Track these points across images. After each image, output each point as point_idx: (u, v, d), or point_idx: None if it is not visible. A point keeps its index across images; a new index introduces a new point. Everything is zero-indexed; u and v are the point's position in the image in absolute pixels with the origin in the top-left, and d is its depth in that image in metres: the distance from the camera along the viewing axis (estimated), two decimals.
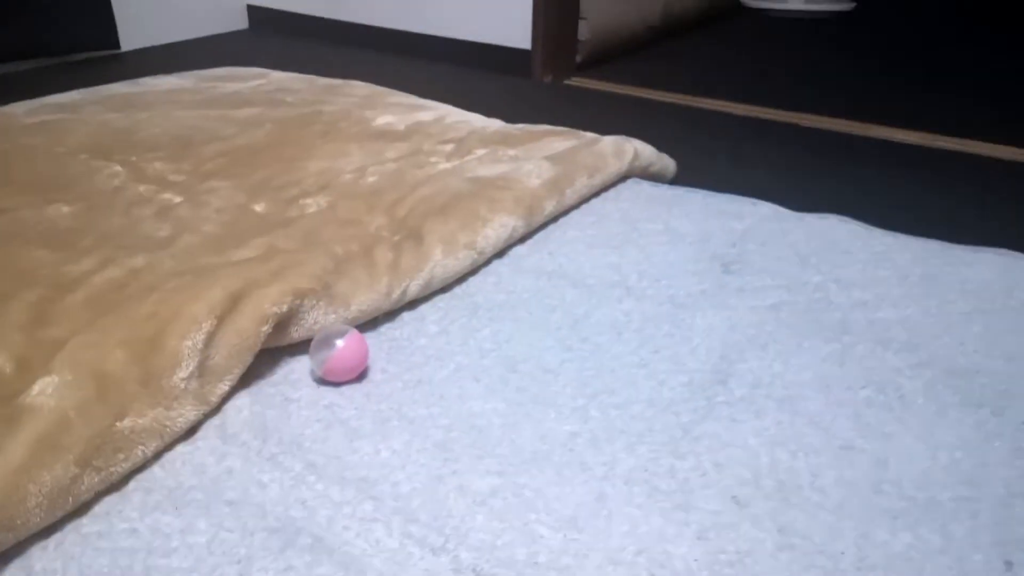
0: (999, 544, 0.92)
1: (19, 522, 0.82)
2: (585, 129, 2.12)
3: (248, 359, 1.09)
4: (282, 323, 1.16)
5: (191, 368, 1.02)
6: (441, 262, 1.39)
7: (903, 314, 1.35)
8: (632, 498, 0.97)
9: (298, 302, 1.16)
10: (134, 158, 1.74)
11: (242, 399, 1.10)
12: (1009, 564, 0.90)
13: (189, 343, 1.03)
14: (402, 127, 2.03)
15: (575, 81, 4.13)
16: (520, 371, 1.21)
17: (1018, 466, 1.03)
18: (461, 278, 1.45)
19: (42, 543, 0.86)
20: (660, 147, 2.09)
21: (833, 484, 1.00)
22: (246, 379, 1.13)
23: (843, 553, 0.91)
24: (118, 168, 1.68)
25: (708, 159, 2.17)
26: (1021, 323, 1.32)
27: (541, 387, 1.18)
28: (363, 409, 1.12)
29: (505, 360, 1.24)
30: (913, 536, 0.93)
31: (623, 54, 4.61)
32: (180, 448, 1.01)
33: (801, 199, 1.78)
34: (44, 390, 0.91)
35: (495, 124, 2.11)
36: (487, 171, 1.73)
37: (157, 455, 0.98)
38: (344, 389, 1.16)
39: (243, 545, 0.88)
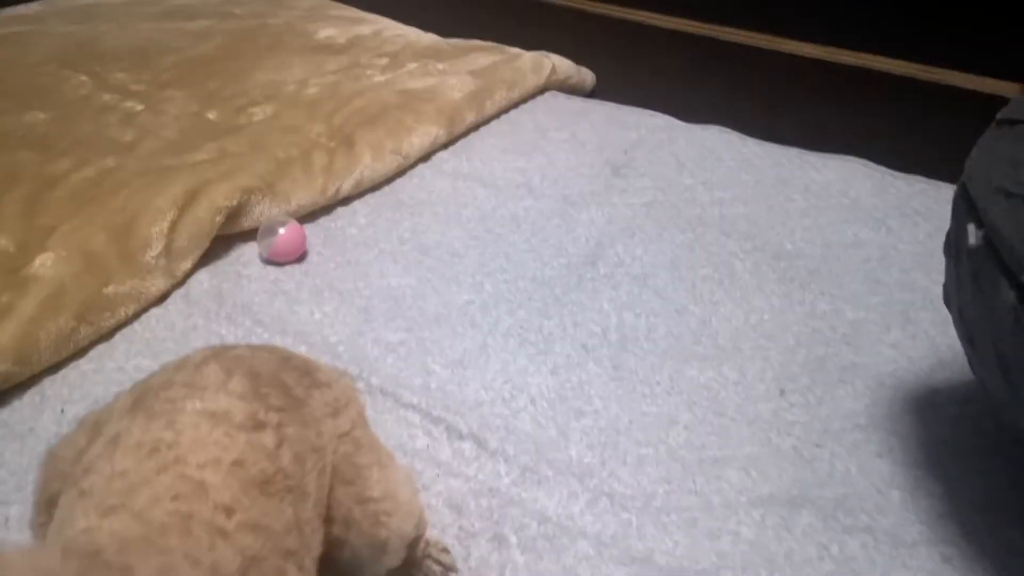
0: (779, 379, 1.24)
1: (33, 359, 1.09)
2: (515, 41, 2.32)
3: (205, 243, 1.35)
4: (233, 214, 1.41)
5: (159, 249, 1.28)
6: (370, 165, 1.64)
7: (750, 210, 1.64)
8: (507, 346, 1.27)
9: (246, 197, 1.41)
10: (98, 68, 1.94)
11: (202, 275, 1.37)
12: (783, 391, 1.22)
13: (156, 229, 1.28)
14: (343, 40, 2.23)
15: None
16: (432, 255, 1.49)
17: (808, 323, 1.35)
18: (388, 179, 1.70)
19: (51, 376, 1.14)
20: (584, 59, 2.30)
21: (663, 336, 1.31)
22: (205, 259, 1.39)
23: (659, 383, 1.22)
24: (84, 78, 1.88)
25: (628, 70, 2.40)
26: (844, 217, 1.62)
27: (447, 267, 1.46)
28: (301, 283, 1.39)
29: (420, 246, 1.51)
30: (716, 373, 1.25)
31: None
32: (154, 311, 1.28)
33: (699, 110, 2.03)
34: (44, 264, 1.17)
35: (429, 38, 2.32)
36: (416, 84, 1.96)
37: (136, 315, 1.25)
38: (286, 268, 1.43)
39: None
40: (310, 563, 0.68)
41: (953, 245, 0.94)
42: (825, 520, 0.99)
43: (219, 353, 0.74)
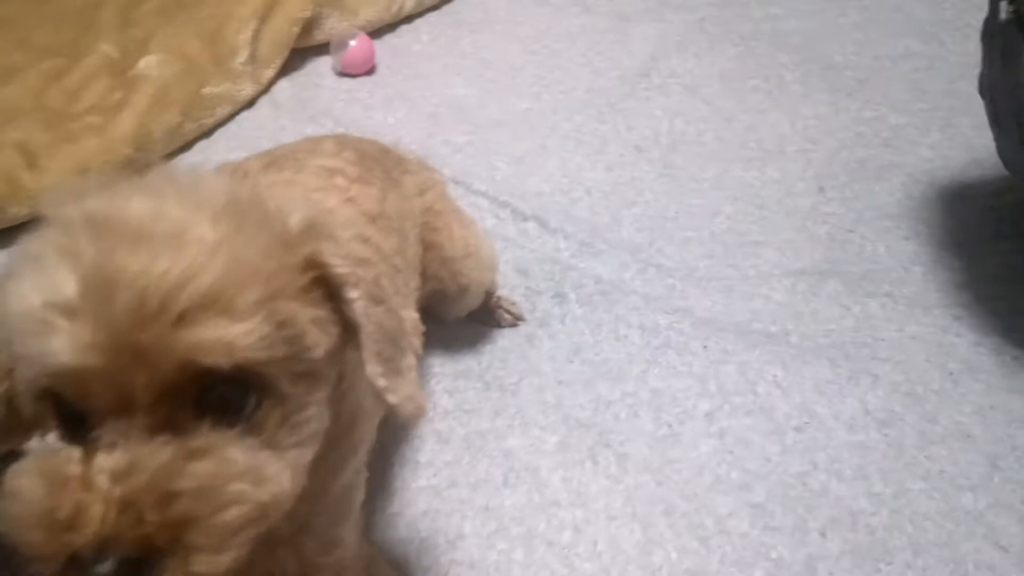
0: (819, 177, 1.34)
1: (148, 147, 1.24)
2: None
3: (285, 52, 1.46)
4: (307, 27, 1.51)
5: (245, 56, 1.39)
6: None
7: (803, 25, 1.67)
8: (564, 147, 1.38)
9: (317, 10, 1.50)
10: None
11: (284, 83, 1.49)
12: (821, 188, 1.32)
13: (242, 37, 1.39)
14: None
15: None
16: (492, 68, 1.58)
17: (852, 129, 1.42)
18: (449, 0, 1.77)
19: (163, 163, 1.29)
20: None
21: (711, 140, 1.40)
22: (285, 70, 1.51)
23: (705, 180, 1.32)
24: None
25: None
26: (897, 31, 1.65)
27: (507, 79, 1.55)
28: (373, 93, 1.50)
29: (481, 61, 1.60)
30: (759, 172, 1.35)
31: None
32: (246, 113, 1.41)
33: None
34: (148, 65, 1.30)
35: None
36: None
37: (231, 116, 1.38)
38: (358, 80, 1.53)
39: None
40: (412, 288, 0.84)
41: (988, 27, 1.00)
42: (850, 287, 1.12)
43: (325, 137, 0.90)
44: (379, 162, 0.88)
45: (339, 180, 0.81)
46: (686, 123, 1.44)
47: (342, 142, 0.88)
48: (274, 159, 0.85)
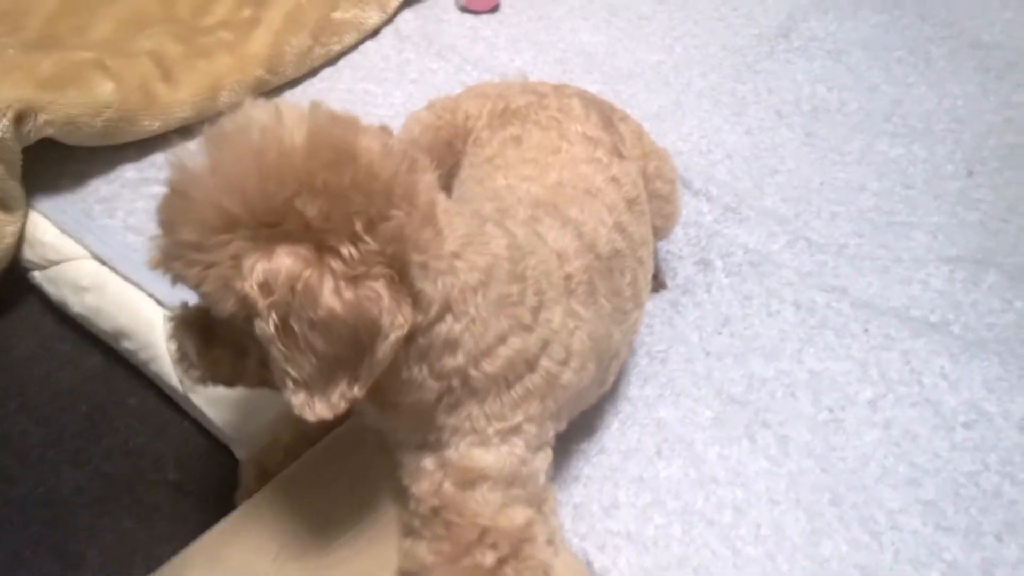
0: (968, 160, 1.26)
1: (279, 70, 1.19)
2: None
3: None
4: None
5: None
6: None
7: None
8: (701, 105, 1.31)
9: None
10: None
11: (407, 15, 1.43)
12: (971, 172, 1.25)
13: None
14: None
15: None
16: (620, 16, 1.50)
17: (1002, 113, 1.34)
18: None
19: (291, 90, 1.24)
20: None
21: (855, 111, 1.33)
22: (408, 1, 1.44)
23: (849, 152, 1.25)
24: None
25: None
26: None
27: (636, 28, 1.47)
28: (498, 32, 1.44)
29: (608, 7, 1.52)
30: (906, 150, 1.27)
31: None
32: (370, 43, 1.36)
33: None
34: None
35: None
36: None
37: (355, 45, 1.33)
38: (481, 17, 1.47)
39: None
40: (646, 284, 0.81)
41: None
42: (1011, 280, 1.05)
43: (560, 89, 0.88)
44: (611, 122, 0.85)
45: (600, 153, 0.79)
46: (828, 90, 1.36)
47: (586, 102, 0.85)
48: (518, 112, 0.83)
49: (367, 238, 0.52)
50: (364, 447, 0.76)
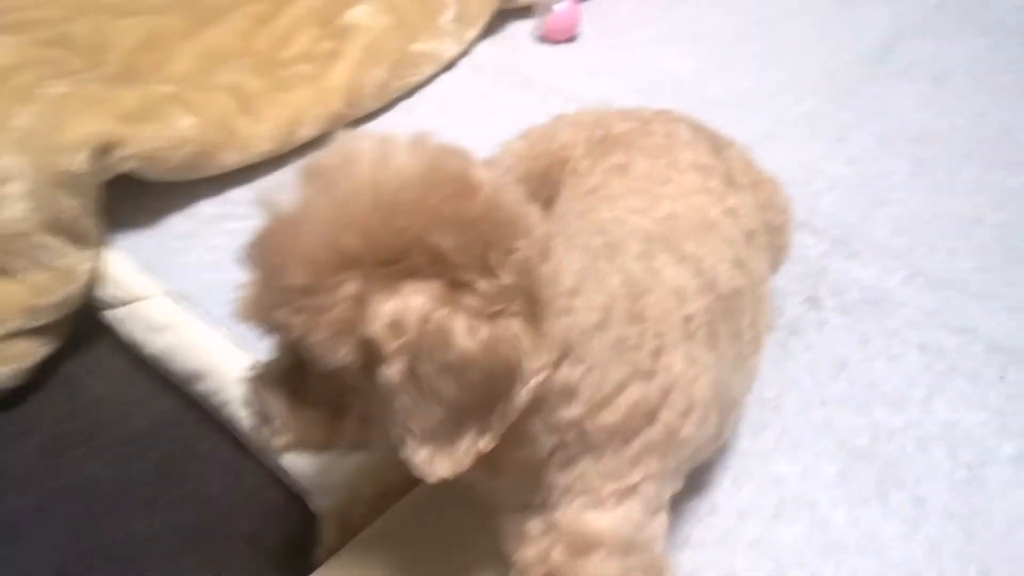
0: None
1: (358, 104, 1.16)
2: None
3: (491, 12, 1.36)
4: None
5: (453, 13, 1.30)
6: None
7: None
8: (798, 133, 1.23)
9: None
10: None
11: (484, 45, 1.39)
12: None
13: None
14: None
15: None
16: (705, 42, 1.44)
17: None
18: None
19: (367, 124, 1.21)
20: None
21: (964, 138, 1.23)
22: (485, 32, 1.41)
23: (962, 183, 1.16)
24: None
25: None
26: None
27: (722, 54, 1.41)
28: (578, 61, 1.39)
29: (692, 33, 1.46)
30: (1021, 179, 1.17)
31: None
32: (445, 76, 1.32)
33: None
34: (358, 16, 1.21)
35: None
36: None
37: (431, 78, 1.29)
38: (559, 46, 1.42)
39: None
40: (766, 326, 0.74)
41: None
42: None
43: (664, 114, 0.83)
44: (718, 147, 0.79)
45: (713, 183, 0.72)
46: (934, 116, 1.27)
47: (693, 127, 0.80)
48: (621, 138, 0.77)
49: (501, 272, 0.46)
50: (455, 505, 0.70)
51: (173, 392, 0.98)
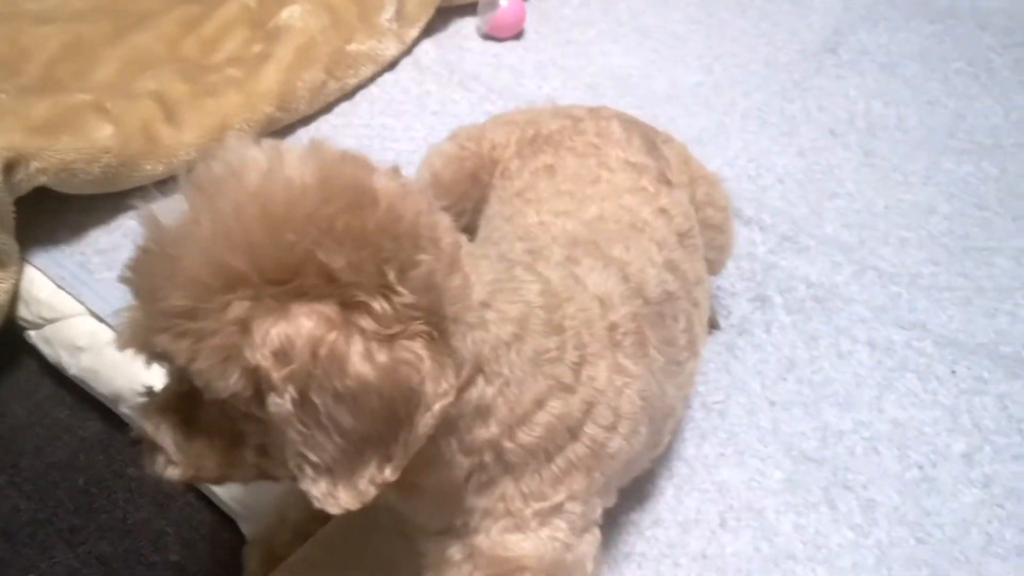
0: None
1: (291, 107, 1.11)
2: None
3: (431, 10, 1.32)
4: None
5: (391, 12, 1.26)
6: None
7: (1008, 4, 1.46)
8: (746, 127, 1.21)
9: None
10: None
11: (427, 44, 1.35)
12: None
13: None
14: None
15: None
16: (653, 37, 1.41)
17: None
18: None
19: (305, 127, 1.16)
20: None
21: (915, 127, 1.22)
22: (428, 31, 1.36)
23: (914, 172, 1.14)
24: None
25: None
26: None
27: (670, 49, 1.38)
28: (524, 58, 1.35)
29: (640, 28, 1.43)
30: (975, 167, 1.15)
31: None
32: (388, 76, 1.28)
33: None
34: (291, 15, 1.17)
35: None
36: None
37: (372, 78, 1.25)
38: (506, 44, 1.39)
39: None
40: (702, 329, 0.71)
41: None
42: None
43: (597, 112, 0.79)
44: (654, 145, 0.76)
45: (645, 181, 0.69)
46: (884, 105, 1.25)
47: (626, 124, 0.77)
48: (552, 137, 0.74)
49: (401, 289, 0.43)
50: (380, 530, 0.66)
51: (99, 415, 0.93)
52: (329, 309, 0.42)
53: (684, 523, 0.74)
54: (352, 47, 1.19)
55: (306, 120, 1.16)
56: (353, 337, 0.42)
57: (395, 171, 0.49)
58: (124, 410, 0.88)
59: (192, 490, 0.87)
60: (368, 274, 0.43)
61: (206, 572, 0.82)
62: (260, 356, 0.42)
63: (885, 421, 0.81)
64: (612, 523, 0.73)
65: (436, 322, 0.45)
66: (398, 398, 0.43)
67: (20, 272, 0.94)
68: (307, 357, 0.42)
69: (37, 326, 0.95)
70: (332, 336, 0.42)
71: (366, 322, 0.43)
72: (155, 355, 0.46)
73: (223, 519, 0.84)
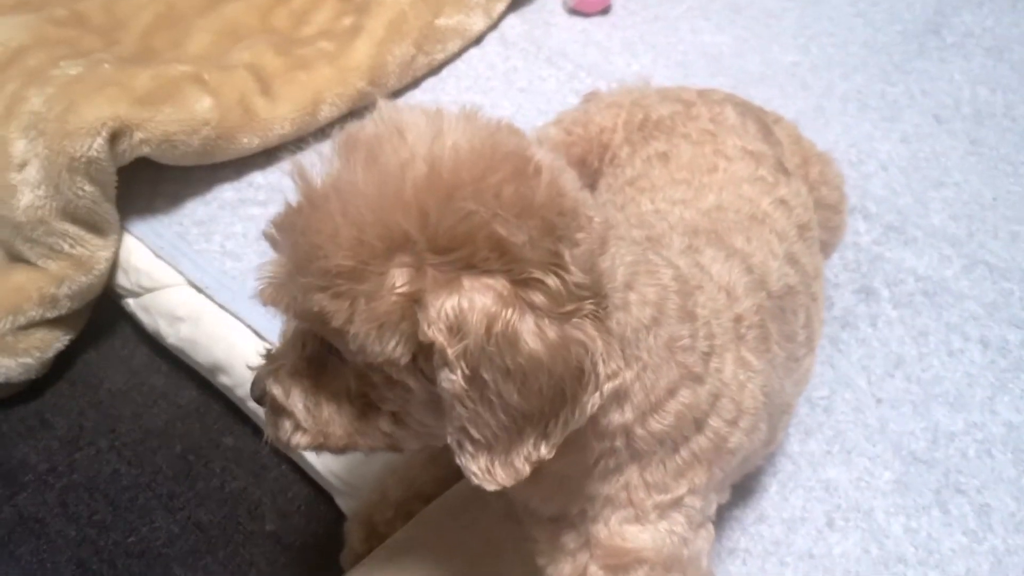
0: None
1: (382, 81, 1.11)
2: None
3: None
4: None
5: None
6: None
7: None
8: (846, 110, 1.17)
9: None
10: None
11: (513, 19, 1.33)
12: None
13: None
14: None
15: None
16: (744, 14, 1.37)
17: None
18: None
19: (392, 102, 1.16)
20: None
21: (1023, 116, 1.16)
22: (513, 5, 1.34)
23: (1023, 164, 1.09)
24: None
25: None
26: None
27: (764, 27, 1.34)
28: (611, 35, 1.32)
29: (731, 4, 1.39)
30: None
31: None
32: (474, 51, 1.26)
33: None
34: None
35: None
36: None
37: (459, 53, 1.24)
38: (592, 19, 1.36)
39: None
40: (820, 324, 0.69)
41: None
42: None
43: (708, 95, 0.77)
44: (771, 131, 0.74)
45: (764, 171, 0.67)
46: (991, 92, 1.19)
47: (741, 110, 0.75)
48: (662, 122, 0.73)
49: (573, 268, 0.42)
50: (487, 512, 0.66)
51: (196, 384, 0.95)
52: (500, 284, 0.41)
53: (789, 521, 0.72)
54: (441, 21, 1.18)
55: (394, 95, 1.15)
56: (525, 314, 0.41)
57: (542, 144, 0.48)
58: (222, 381, 0.90)
59: (287, 461, 0.88)
60: (542, 251, 0.42)
61: (302, 544, 0.83)
62: (435, 331, 0.41)
63: (999, 424, 0.78)
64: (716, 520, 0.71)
65: (598, 302, 0.44)
66: (567, 377, 0.43)
67: (120, 241, 0.96)
68: (481, 333, 0.41)
69: (136, 294, 0.97)
70: (507, 313, 0.41)
71: (538, 299, 0.42)
72: (305, 314, 0.45)
73: (318, 492, 0.85)
